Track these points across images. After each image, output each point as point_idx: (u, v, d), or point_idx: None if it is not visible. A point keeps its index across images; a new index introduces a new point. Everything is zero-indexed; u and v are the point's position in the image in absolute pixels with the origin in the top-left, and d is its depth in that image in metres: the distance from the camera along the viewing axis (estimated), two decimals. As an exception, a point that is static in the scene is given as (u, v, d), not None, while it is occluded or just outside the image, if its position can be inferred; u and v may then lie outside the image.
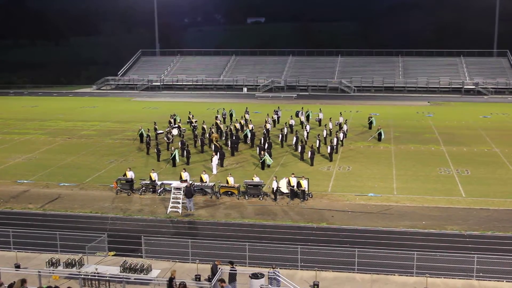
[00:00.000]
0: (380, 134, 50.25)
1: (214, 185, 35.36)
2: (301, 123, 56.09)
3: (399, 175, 39.21)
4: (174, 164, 41.77)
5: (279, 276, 21.26)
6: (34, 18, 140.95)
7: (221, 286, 18.47)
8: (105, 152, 47.30)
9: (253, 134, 48.95)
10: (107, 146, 49.68)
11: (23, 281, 19.24)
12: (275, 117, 58.46)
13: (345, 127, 51.67)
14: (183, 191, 32.03)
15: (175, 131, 51.00)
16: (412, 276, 23.16)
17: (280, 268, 22.34)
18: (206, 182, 35.42)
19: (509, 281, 22.81)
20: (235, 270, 21.71)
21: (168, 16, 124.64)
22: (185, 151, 43.08)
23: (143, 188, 35.63)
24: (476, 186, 36.28)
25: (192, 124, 53.85)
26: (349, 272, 23.71)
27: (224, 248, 25.50)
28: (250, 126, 50.71)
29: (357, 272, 23.61)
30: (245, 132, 49.60)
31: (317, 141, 45.73)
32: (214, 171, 39.78)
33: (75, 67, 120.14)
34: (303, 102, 74.35)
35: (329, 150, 43.22)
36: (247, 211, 32.20)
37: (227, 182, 34.93)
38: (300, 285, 21.73)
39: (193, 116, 57.38)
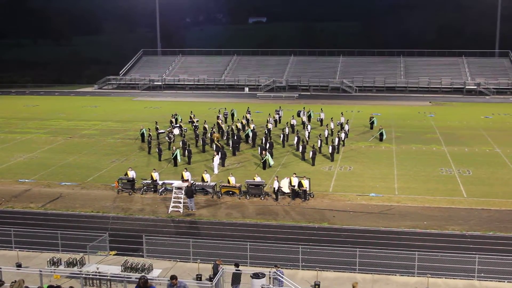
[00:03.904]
0: (381, 134, 50.24)
1: (215, 184, 35.38)
2: (303, 123, 56.07)
3: (400, 175, 39.19)
4: (175, 164, 41.79)
5: (281, 277, 21.26)
6: (36, 17, 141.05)
7: (173, 283, 17.65)
8: (106, 151, 47.33)
9: (254, 134, 48.96)
10: (109, 145, 49.71)
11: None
12: (277, 117, 58.45)
13: (346, 127, 51.65)
14: (184, 191, 32.06)
15: (176, 131, 51.04)
16: (413, 276, 23.16)
17: (281, 268, 22.29)
18: (207, 181, 35.45)
19: (510, 282, 22.80)
20: (240, 272, 21.71)
21: (170, 16, 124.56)
22: (186, 151, 43.11)
23: (145, 187, 35.66)
24: (477, 187, 36.25)
25: (194, 124, 53.87)
26: (350, 272, 23.71)
27: (225, 247, 25.51)
28: (252, 126, 50.71)
29: (358, 272, 23.61)
30: (246, 132, 49.61)
31: (319, 141, 45.72)
32: (216, 171, 39.79)
33: (76, 66, 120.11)
34: (304, 102, 74.33)
35: (330, 150, 43.21)
36: (248, 211, 32.21)
37: (229, 182, 34.96)
38: (301, 285, 21.73)
39: (194, 115, 57.43)
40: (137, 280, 16.36)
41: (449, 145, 48.41)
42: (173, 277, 17.72)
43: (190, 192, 32.11)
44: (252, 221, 30.48)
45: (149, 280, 16.22)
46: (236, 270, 21.74)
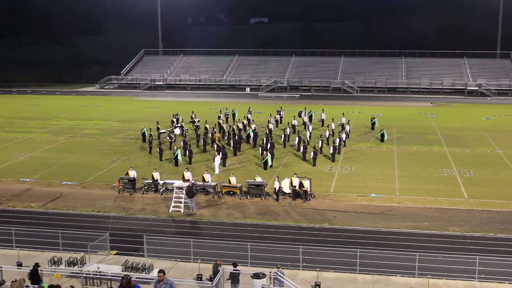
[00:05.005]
0: (383, 135, 50.22)
1: (216, 184, 35.38)
2: (304, 123, 56.06)
3: (401, 176, 39.17)
4: (176, 164, 41.80)
5: (282, 277, 21.26)
6: (37, 17, 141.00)
7: (159, 277, 17.03)
8: (107, 151, 47.36)
9: (255, 134, 48.95)
10: (110, 145, 49.73)
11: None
12: (278, 117, 58.45)
13: (347, 128, 51.63)
14: (185, 191, 32.06)
15: (177, 131, 51.03)
16: (414, 277, 23.16)
17: (282, 268, 22.30)
18: (208, 181, 35.44)
19: (510, 283, 22.80)
20: (239, 271, 21.71)
21: (171, 16, 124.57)
22: (187, 151, 43.13)
23: (145, 187, 35.69)
24: (478, 188, 36.24)
25: (195, 124, 53.90)
26: (350, 272, 23.72)
27: (226, 248, 25.50)
28: (253, 126, 50.69)
29: (359, 273, 23.62)
30: (247, 132, 49.60)
31: (320, 142, 45.73)
32: (217, 171, 39.80)
33: (78, 66, 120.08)
34: (305, 102, 74.32)
35: (331, 151, 43.20)
36: (249, 211, 32.22)
37: (229, 182, 34.97)
38: (301, 285, 21.74)
39: (195, 115, 57.44)
40: (140, 280, 16.36)
41: (450, 146, 48.38)
42: (161, 271, 17.33)
43: (191, 192, 32.13)
44: (253, 221, 30.49)
45: (148, 280, 16.26)
46: (234, 270, 21.73)
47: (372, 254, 24.28)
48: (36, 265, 21.71)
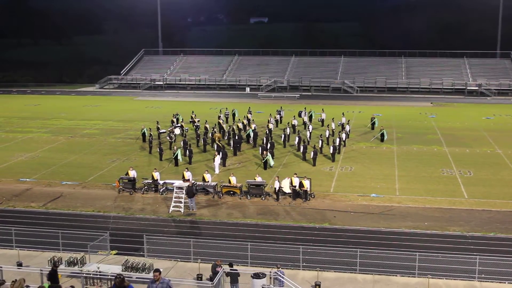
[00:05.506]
0: (382, 135, 50.21)
1: (216, 184, 35.38)
2: (304, 123, 56.06)
3: (401, 175, 39.17)
4: (176, 164, 41.80)
5: (282, 277, 21.25)
6: (37, 17, 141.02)
7: (155, 276, 16.73)
8: (107, 151, 47.35)
9: (255, 134, 48.95)
10: (110, 145, 49.73)
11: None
12: (278, 117, 58.44)
13: (347, 128, 51.62)
14: (185, 191, 32.06)
15: (177, 131, 51.02)
16: (414, 277, 23.15)
17: (282, 268, 22.29)
18: (208, 181, 35.44)
19: (511, 283, 22.78)
20: (236, 271, 21.70)
21: (171, 16, 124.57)
22: (187, 151, 43.12)
23: (145, 187, 35.68)
24: (478, 188, 36.23)
25: (195, 124, 53.89)
26: (351, 272, 23.71)
27: (226, 247, 25.50)
28: (253, 126, 50.69)
29: (359, 273, 23.60)
30: (247, 132, 49.60)
31: (320, 141, 45.72)
32: (217, 171, 39.80)
33: (78, 66, 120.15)
34: (305, 102, 74.31)
35: (331, 151, 43.19)
36: (249, 211, 32.22)
37: (229, 182, 34.97)
38: (301, 285, 21.73)
39: (195, 115, 57.43)
40: (140, 280, 16.34)
41: (450, 146, 48.38)
42: (156, 270, 17.04)
43: (191, 192, 32.12)
44: (253, 221, 30.49)
45: (148, 280, 16.18)
46: (231, 269, 21.72)
47: (372, 254, 24.26)
48: (55, 265, 21.63)
